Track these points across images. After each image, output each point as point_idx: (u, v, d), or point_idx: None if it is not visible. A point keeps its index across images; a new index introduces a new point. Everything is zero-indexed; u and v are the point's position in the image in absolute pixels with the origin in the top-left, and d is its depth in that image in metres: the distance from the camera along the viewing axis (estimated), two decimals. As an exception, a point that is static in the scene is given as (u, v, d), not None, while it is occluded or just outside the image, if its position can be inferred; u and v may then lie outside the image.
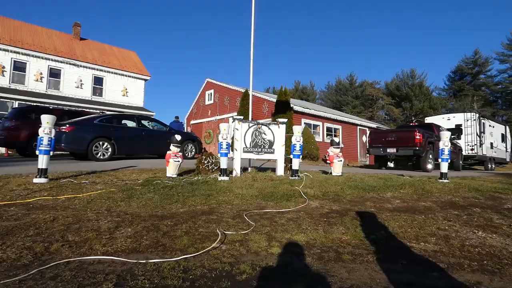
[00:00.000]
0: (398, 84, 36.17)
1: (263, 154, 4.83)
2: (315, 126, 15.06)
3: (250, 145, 4.79)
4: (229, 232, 2.33)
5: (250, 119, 5.52)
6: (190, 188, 3.62)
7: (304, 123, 14.16)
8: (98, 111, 14.29)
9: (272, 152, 4.86)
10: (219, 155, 4.46)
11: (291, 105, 13.08)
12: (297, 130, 4.86)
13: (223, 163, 4.36)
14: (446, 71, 54.32)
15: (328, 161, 5.42)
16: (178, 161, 4.51)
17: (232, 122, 4.89)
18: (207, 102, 18.91)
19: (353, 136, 16.95)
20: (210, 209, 2.95)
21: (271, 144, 4.87)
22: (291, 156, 4.84)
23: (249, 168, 5.14)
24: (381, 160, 9.45)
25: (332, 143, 5.37)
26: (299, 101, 20.96)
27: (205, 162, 4.88)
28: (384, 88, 37.14)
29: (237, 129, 4.73)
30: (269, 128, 4.88)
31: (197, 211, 2.86)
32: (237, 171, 4.60)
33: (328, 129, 15.64)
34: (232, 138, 5.02)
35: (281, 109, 11.89)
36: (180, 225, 2.45)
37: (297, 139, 4.77)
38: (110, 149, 7.07)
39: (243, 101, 13.72)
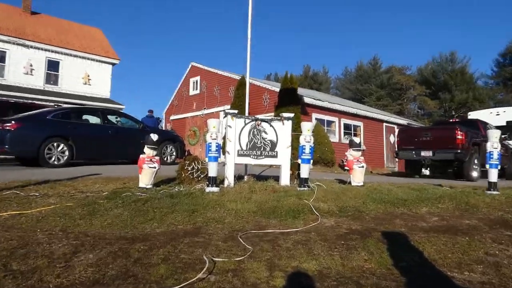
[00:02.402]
0: (434, 69, 36.33)
1: (263, 158, 4.83)
2: (330, 123, 15.08)
3: (246, 147, 4.79)
4: (219, 259, 2.31)
5: (246, 113, 5.52)
6: (170, 202, 3.61)
7: (316, 118, 14.20)
8: (53, 104, 14.24)
9: (275, 156, 4.87)
10: (206, 159, 4.46)
11: (299, 96, 13.13)
12: (307, 127, 4.86)
13: (212, 170, 4.36)
14: (494, 54, 54.64)
15: (346, 168, 5.44)
16: (155, 168, 4.50)
17: (224, 117, 4.89)
18: (191, 92, 18.91)
19: (378, 135, 17.03)
20: (195, 229, 2.94)
21: (273, 145, 4.87)
22: (299, 161, 4.83)
23: (245, 176, 5.15)
24: (414, 166, 9.48)
25: (352, 145, 5.39)
26: (309, 91, 21.01)
27: (189, 169, 4.88)
28: (417, 74, 37.31)
29: (230, 127, 4.73)
30: (271, 125, 4.88)
31: (178, 232, 2.84)
32: (229, 180, 4.61)
33: (346, 127, 15.68)
34: (224, 137, 5.01)
35: (286, 101, 11.92)
36: (156, 249, 2.44)
37: (306, 139, 4.78)
38: (67, 152, 7.04)
39: (237, 90, 13.74)
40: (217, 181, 4.47)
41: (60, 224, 2.94)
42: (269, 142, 4.87)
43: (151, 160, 4.51)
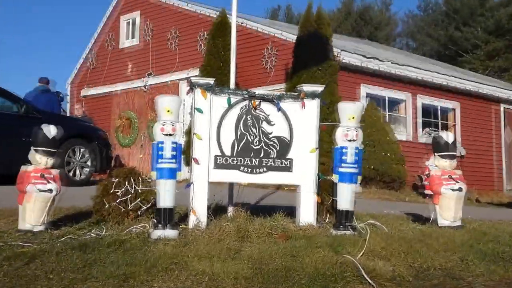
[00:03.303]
0: None
1: (264, 172, 4.85)
2: (394, 104, 15.16)
3: (232, 151, 4.81)
4: None
5: (232, 85, 5.50)
6: (81, 260, 3.57)
7: (368, 95, 14.29)
8: None
9: (287, 168, 4.89)
10: (153, 174, 4.46)
11: (334, 52, 13.12)
12: (350, 112, 4.87)
13: (165, 196, 4.36)
14: None
15: (427, 191, 5.44)
16: (51, 192, 4.47)
17: (189, 92, 4.89)
18: (124, 43, 18.95)
19: (489, 128, 17.12)
20: (131, 312, 2.91)
21: (284, 147, 4.89)
22: (334, 178, 4.86)
23: (230, 208, 5.15)
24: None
25: (438, 147, 5.41)
26: (355, 42, 21.02)
27: (119, 194, 4.87)
28: None
29: (201, 111, 4.73)
30: (280, 109, 4.89)
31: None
32: (199, 214, 4.61)
33: (428, 111, 15.74)
34: (189, 132, 4.98)
35: (309, 61, 11.90)
36: None
37: (349, 135, 4.78)
38: None
39: (214, 40, 13.69)
40: (174, 217, 4.44)
41: None
42: (275, 141, 4.88)
43: (44, 176, 4.48)
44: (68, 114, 16.10)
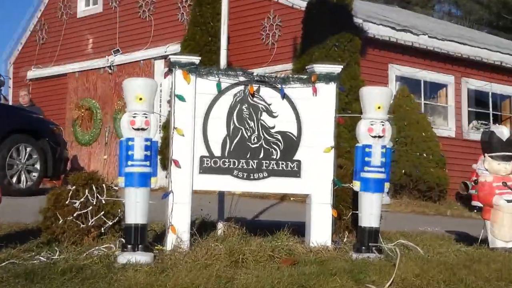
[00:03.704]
0: None
1: (264, 177, 4.88)
2: (433, 89, 15.16)
3: (223, 150, 4.84)
4: None
5: (223, 64, 5.51)
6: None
7: (399, 78, 14.31)
8: None
9: (294, 172, 4.92)
10: (120, 180, 4.46)
11: (356, 23, 13.08)
12: (375, 100, 4.88)
13: (135, 209, 4.36)
14: None
15: (475, 203, 5.46)
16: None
17: (167, 75, 4.93)
18: (81, 11, 18.95)
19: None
20: None
21: (290, 144, 4.92)
22: (355, 186, 4.87)
23: (220, 224, 5.20)
24: None
25: (489, 145, 5.43)
26: (382, 9, 20.98)
27: (77, 205, 4.89)
28: None
29: (182, 99, 4.75)
30: (285, 96, 4.92)
31: None
32: (179, 232, 4.64)
33: (477, 99, 15.63)
34: (166, 126, 5.00)
35: (323, 33, 11.89)
36: None
37: (375, 129, 4.79)
38: None
39: (200, 7, 13.61)
40: (147, 236, 4.46)
41: None
42: (279, 137, 4.90)
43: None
44: (9, 104, 15.93)
